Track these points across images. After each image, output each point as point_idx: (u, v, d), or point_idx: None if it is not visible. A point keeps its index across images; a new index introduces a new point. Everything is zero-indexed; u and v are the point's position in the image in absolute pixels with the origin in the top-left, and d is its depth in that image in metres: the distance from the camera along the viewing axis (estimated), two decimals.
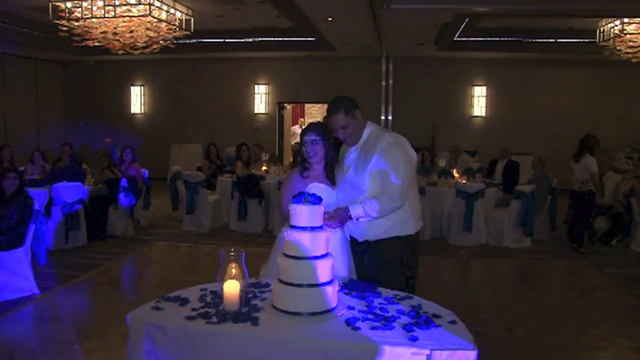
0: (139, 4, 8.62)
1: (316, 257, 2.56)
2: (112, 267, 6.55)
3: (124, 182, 7.83)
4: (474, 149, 12.90)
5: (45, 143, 13.83)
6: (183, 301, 2.70)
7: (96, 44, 9.57)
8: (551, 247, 7.91)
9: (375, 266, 3.28)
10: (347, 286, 2.93)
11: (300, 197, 2.66)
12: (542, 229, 8.16)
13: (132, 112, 15.39)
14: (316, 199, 2.66)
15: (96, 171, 8.14)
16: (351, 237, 3.38)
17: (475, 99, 13.84)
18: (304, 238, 2.56)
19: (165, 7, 9.24)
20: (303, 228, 2.60)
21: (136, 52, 10.11)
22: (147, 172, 9.26)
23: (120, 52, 10.06)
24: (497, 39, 11.92)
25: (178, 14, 9.84)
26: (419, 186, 7.87)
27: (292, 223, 2.64)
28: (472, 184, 7.86)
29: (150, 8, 8.62)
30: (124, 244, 7.62)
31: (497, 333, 4.64)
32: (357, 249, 3.37)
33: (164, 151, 14.46)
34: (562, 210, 8.45)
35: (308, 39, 12.20)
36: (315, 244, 2.57)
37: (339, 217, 3.07)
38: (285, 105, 15.82)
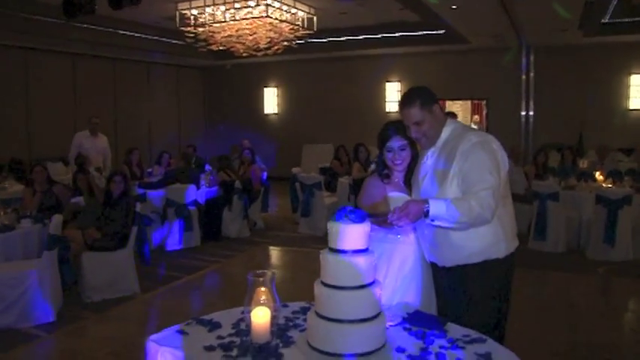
0: (258, 5, 8.66)
1: (359, 287, 2.11)
2: (217, 270, 6.55)
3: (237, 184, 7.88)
4: (630, 147, 11.25)
5: (186, 144, 14.67)
6: (214, 326, 2.43)
7: (220, 48, 9.83)
8: None
9: (457, 296, 2.69)
10: (410, 320, 2.43)
11: (341, 213, 2.22)
12: None
13: (265, 112, 15.76)
14: (359, 217, 2.19)
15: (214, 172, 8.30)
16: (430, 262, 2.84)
17: (633, 89, 12.07)
18: (345, 263, 2.13)
19: (285, 8, 9.18)
20: (343, 252, 2.16)
21: (259, 54, 10.23)
22: (265, 173, 9.28)
23: (244, 54, 10.24)
24: None
25: (300, 13, 9.75)
26: (553, 190, 7.03)
27: (330, 245, 2.21)
28: (616, 189, 6.72)
29: (267, 9, 8.61)
30: (236, 246, 7.63)
31: None
32: (436, 275, 2.82)
33: (296, 150, 14.60)
34: None
35: (438, 32, 11.51)
36: (358, 270, 2.12)
37: (410, 212, 2.40)
38: None
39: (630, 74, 12.10)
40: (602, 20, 9.70)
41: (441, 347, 2.17)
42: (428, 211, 2.41)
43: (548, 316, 4.87)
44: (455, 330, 2.35)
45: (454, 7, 8.56)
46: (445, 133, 2.73)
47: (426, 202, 2.42)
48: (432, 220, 2.45)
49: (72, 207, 5.87)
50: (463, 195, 2.53)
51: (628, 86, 12.12)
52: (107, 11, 7.38)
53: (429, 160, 2.76)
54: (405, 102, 2.71)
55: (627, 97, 12.13)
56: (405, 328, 2.37)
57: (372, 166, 5.95)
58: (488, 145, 2.61)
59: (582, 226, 7.10)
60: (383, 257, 2.89)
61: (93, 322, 4.84)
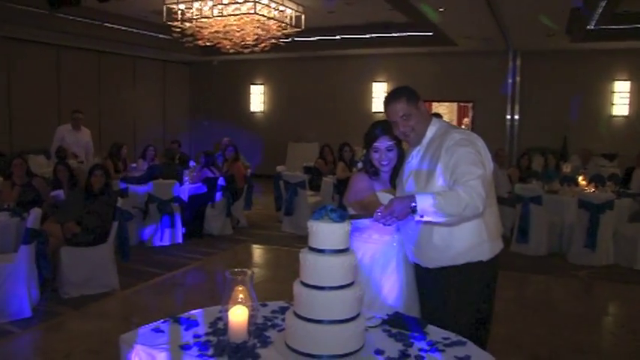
0: (246, 1, 8.58)
1: (338, 287, 2.08)
2: (198, 267, 6.48)
3: (221, 181, 7.81)
4: (613, 152, 11.36)
5: (170, 140, 14.54)
6: (191, 324, 2.39)
7: (207, 44, 9.74)
8: None
9: (440, 298, 2.66)
10: (390, 322, 2.40)
11: (321, 212, 2.19)
12: None
13: (251, 110, 15.67)
14: (339, 216, 2.16)
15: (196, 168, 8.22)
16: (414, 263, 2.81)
17: (616, 96, 12.17)
18: (324, 263, 2.09)
19: (273, 5, 9.12)
20: (322, 251, 2.13)
21: (246, 51, 10.15)
22: (249, 171, 9.21)
23: (231, 50, 10.15)
24: None
25: (288, 11, 9.69)
26: (536, 194, 7.06)
27: (310, 244, 2.17)
28: (599, 194, 6.77)
29: (256, 6, 8.54)
30: (218, 243, 7.56)
31: None
32: (420, 276, 2.79)
33: (281, 148, 14.54)
34: None
35: (426, 33, 11.51)
36: (337, 271, 2.09)
37: (395, 210, 2.32)
38: None
39: (614, 81, 12.17)
40: (588, 27, 9.76)
41: (421, 350, 2.15)
42: (415, 207, 2.31)
43: (529, 319, 4.88)
44: (435, 332, 2.33)
45: (441, 9, 8.57)
46: (430, 131, 2.71)
47: (412, 198, 2.33)
48: (421, 217, 2.33)
49: (51, 200, 5.77)
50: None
51: (612, 92, 12.21)
52: (93, 3, 7.28)
53: (413, 159, 2.74)
54: (391, 97, 2.70)
55: (611, 103, 12.22)
56: (384, 330, 2.34)
57: (359, 165, 5.93)
58: (472, 142, 2.59)
59: (564, 230, 7.13)
60: (366, 258, 2.87)
61: (70, 318, 4.75)
